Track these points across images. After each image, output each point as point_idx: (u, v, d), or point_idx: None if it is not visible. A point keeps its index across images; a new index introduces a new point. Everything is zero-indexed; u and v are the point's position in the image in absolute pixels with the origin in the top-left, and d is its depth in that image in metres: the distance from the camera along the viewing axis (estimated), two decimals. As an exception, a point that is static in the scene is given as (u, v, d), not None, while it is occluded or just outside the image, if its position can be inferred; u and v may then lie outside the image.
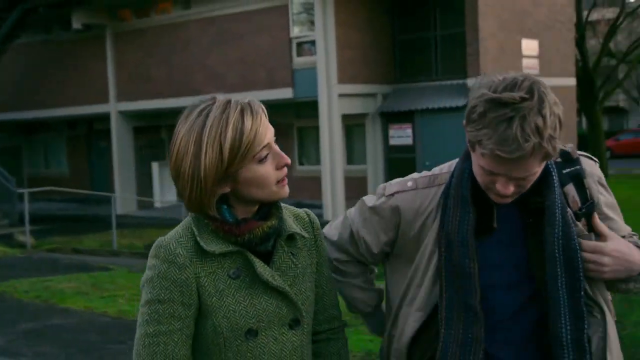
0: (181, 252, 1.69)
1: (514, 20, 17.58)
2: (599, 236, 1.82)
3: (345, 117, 16.92)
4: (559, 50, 19.72)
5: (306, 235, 1.85)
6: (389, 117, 17.59)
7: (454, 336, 1.81)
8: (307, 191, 16.77)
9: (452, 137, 16.36)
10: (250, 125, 1.64)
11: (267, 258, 1.76)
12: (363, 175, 17.75)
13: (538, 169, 1.70)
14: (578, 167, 1.85)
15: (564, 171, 1.85)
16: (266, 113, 1.69)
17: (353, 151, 17.93)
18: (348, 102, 16.83)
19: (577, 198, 1.83)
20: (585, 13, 26.99)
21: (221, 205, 1.72)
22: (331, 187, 16.59)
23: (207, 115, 1.65)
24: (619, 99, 42.82)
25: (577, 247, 1.77)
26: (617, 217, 1.92)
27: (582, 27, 25.53)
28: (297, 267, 1.80)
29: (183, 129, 1.68)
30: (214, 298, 1.70)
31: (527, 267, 1.82)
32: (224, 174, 1.65)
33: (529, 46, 18.24)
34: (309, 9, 16.94)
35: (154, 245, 1.73)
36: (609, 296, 1.88)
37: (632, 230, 1.97)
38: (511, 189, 1.71)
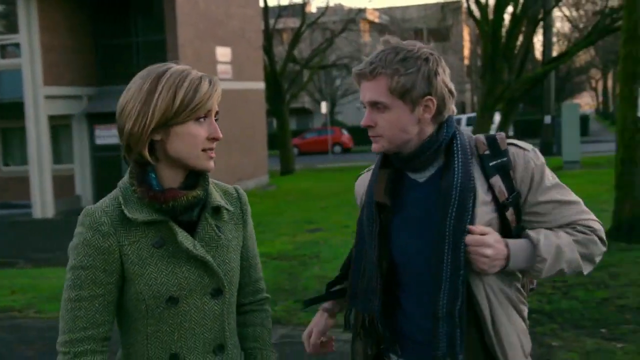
0: (106, 221, 1.79)
1: (208, 29, 19.60)
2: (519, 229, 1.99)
3: (52, 118, 17.65)
4: (249, 57, 22.21)
5: (231, 208, 1.97)
6: (94, 118, 18.67)
7: (360, 285, 2.11)
8: (14, 191, 17.24)
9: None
10: (206, 89, 1.80)
11: (192, 229, 1.86)
12: (70, 174, 18.62)
13: (385, 100, 1.96)
14: (505, 159, 1.98)
15: (491, 163, 1.99)
16: (219, 91, 1.85)
17: (60, 151, 18.66)
18: (54, 103, 17.61)
19: (504, 189, 1.96)
20: (272, 22, 30.02)
21: (149, 172, 1.84)
22: (39, 187, 17.24)
23: (167, 69, 1.82)
24: (305, 101, 47.00)
25: (465, 230, 1.92)
26: (561, 203, 2.01)
27: (269, 36, 28.45)
28: (220, 238, 1.90)
29: (139, 76, 1.83)
30: (137, 266, 1.80)
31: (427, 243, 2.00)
32: (168, 119, 1.78)
33: (223, 53, 20.43)
34: (7, 13, 17.36)
35: (82, 213, 1.84)
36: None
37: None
38: (367, 120, 2.00)
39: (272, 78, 27.54)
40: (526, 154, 1.99)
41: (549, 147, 26.83)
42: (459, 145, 1.99)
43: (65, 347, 1.80)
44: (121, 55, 19.02)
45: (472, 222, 1.93)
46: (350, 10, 39.37)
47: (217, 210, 1.93)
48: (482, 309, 1.97)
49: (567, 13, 36.00)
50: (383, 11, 52.09)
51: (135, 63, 19.03)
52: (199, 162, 1.84)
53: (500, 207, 1.96)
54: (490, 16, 20.08)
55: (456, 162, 1.97)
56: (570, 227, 1.99)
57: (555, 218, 1.99)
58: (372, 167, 2.21)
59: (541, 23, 24.83)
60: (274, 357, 2.13)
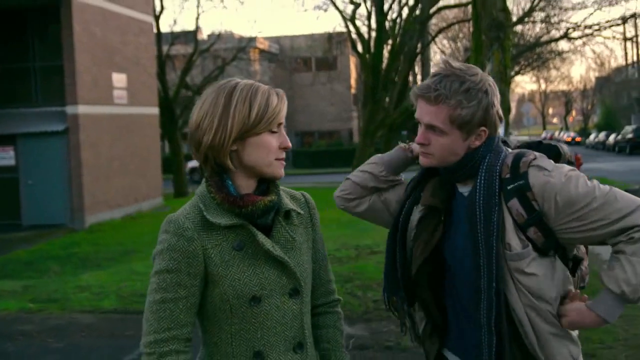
0: (189, 226, 1.90)
1: (105, 56, 20.46)
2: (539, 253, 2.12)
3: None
4: (144, 83, 23.17)
5: (302, 212, 2.09)
6: (-9, 140, 19.23)
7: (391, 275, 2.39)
8: None
9: (53, 158, 18.95)
10: (276, 102, 1.95)
11: (266, 232, 1.98)
12: (-34, 194, 19.06)
13: (443, 127, 2.10)
14: (522, 182, 2.07)
15: (509, 187, 2.09)
16: (286, 103, 1.99)
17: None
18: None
19: (521, 211, 2.07)
20: (165, 48, 30.98)
21: (226, 180, 1.97)
22: None
23: (236, 84, 1.95)
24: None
25: (494, 245, 2.06)
26: (599, 204, 2.03)
27: (162, 62, 29.46)
28: (294, 240, 2.02)
29: (210, 92, 1.96)
30: (220, 268, 1.90)
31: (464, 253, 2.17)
32: (247, 130, 1.92)
33: (119, 79, 21.34)
34: None
35: (165, 221, 1.93)
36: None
37: None
38: (421, 138, 2.15)
39: (165, 103, 28.43)
40: (545, 174, 2.07)
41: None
42: (485, 167, 2.14)
43: (151, 347, 1.89)
44: (19, 80, 19.66)
45: (502, 240, 2.08)
46: (242, 38, 40.92)
47: (288, 215, 2.06)
48: (523, 324, 2.12)
49: (447, 46, 38.84)
50: (273, 40, 53.81)
51: (33, 87, 19.77)
52: (271, 170, 1.99)
53: (520, 228, 2.08)
54: (371, 50, 22.10)
55: (479, 183, 2.12)
56: (628, 234, 1.99)
57: (605, 217, 2.01)
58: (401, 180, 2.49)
59: (419, 56, 27.18)
60: (346, 359, 2.23)
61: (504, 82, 9.70)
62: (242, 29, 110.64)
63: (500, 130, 2.21)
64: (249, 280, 1.92)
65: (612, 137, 52.82)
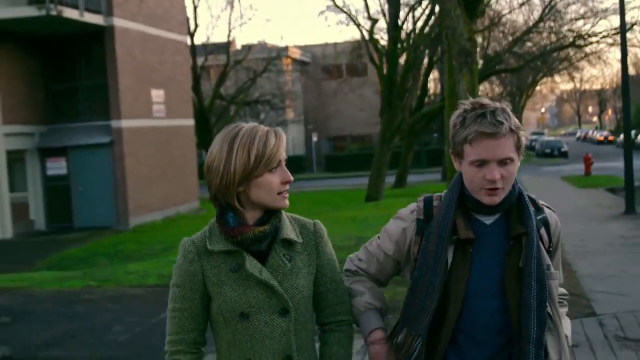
0: (192, 249, 2.28)
1: (144, 74, 23.01)
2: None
3: (9, 153, 20.81)
4: (180, 97, 25.70)
5: (300, 240, 2.32)
6: (46, 152, 21.91)
7: (413, 306, 2.39)
8: (-25, 217, 20.23)
9: (100, 167, 21.55)
10: (273, 143, 2.22)
11: (264, 258, 2.26)
12: (25, 201, 21.74)
13: (513, 155, 2.26)
14: (544, 215, 2.41)
15: (538, 217, 2.38)
16: (284, 139, 2.25)
17: (16, 181, 21.71)
18: (10, 140, 20.77)
19: (546, 239, 2.39)
20: (201, 60, 33.28)
21: (228, 212, 2.27)
22: (0, 212, 20.35)
23: (239, 130, 2.23)
24: None
25: (545, 269, 2.31)
26: (560, 263, 2.51)
27: (197, 75, 31.90)
28: (286, 266, 2.27)
29: (219, 137, 2.25)
30: (216, 286, 2.25)
31: (502, 280, 2.32)
32: (248, 174, 2.20)
33: (157, 95, 23.92)
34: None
35: (181, 243, 2.33)
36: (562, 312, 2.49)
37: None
38: (497, 174, 2.24)
39: (200, 114, 30.86)
40: (555, 215, 2.45)
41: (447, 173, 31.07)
42: (528, 198, 2.38)
43: (167, 346, 2.32)
44: (68, 97, 22.31)
45: (546, 263, 2.34)
46: (273, 47, 43.20)
47: (288, 242, 2.29)
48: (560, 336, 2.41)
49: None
50: (304, 49, 56.07)
51: (81, 104, 22.39)
52: (276, 204, 2.26)
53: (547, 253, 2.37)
54: (385, 62, 24.25)
55: (532, 212, 2.34)
56: (560, 299, 2.50)
57: (560, 274, 2.46)
58: (416, 206, 2.47)
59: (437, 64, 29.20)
60: None
61: (472, 98, 11.82)
62: (275, 39, 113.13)
63: None
64: (239, 298, 2.23)
65: (640, 136, 53.69)
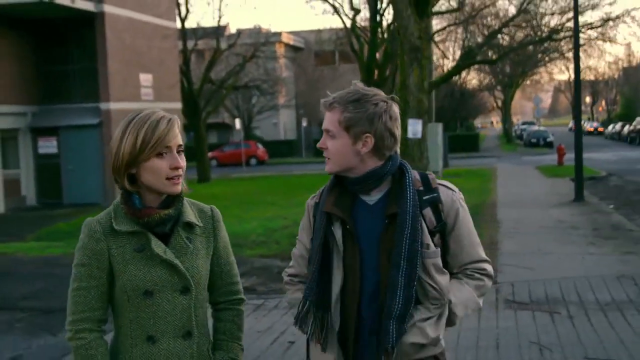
0: (98, 229, 2.35)
1: (133, 59, 24.16)
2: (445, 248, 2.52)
3: (2, 131, 22.03)
4: (168, 81, 26.80)
5: (200, 224, 2.46)
6: (38, 132, 23.20)
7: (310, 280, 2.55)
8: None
9: (89, 146, 22.79)
10: (162, 128, 2.29)
11: (166, 239, 2.38)
12: (17, 177, 23.04)
13: (334, 129, 2.45)
14: (435, 195, 2.49)
15: (424, 197, 2.48)
16: (179, 126, 2.35)
17: (8, 158, 22.94)
18: (3, 119, 22.00)
19: (433, 219, 2.47)
20: (191, 44, 34.01)
21: (133, 194, 2.36)
22: (-8, 188, 21.64)
23: (135, 115, 2.34)
24: (225, 116, 50.86)
25: (419, 248, 2.40)
26: (468, 241, 2.55)
27: (187, 59, 32.77)
28: (188, 247, 2.40)
29: (121, 121, 2.35)
30: (121, 265, 2.34)
31: (378, 256, 2.45)
32: (135, 157, 2.29)
33: (145, 79, 25.10)
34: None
35: (83, 223, 2.38)
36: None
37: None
38: (321, 143, 2.49)
39: (190, 96, 31.57)
40: (452, 194, 2.53)
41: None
42: (411, 179, 2.49)
43: (69, 325, 2.38)
44: (60, 80, 23.53)
45: (421, 241, 2.42)
46: (267, 32, 44.08)
47: (189, 225, 2.42)
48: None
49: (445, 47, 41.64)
50: (297, 34, 57.00)
51: (72, 86, 23.59)
52: (165, 189, 2.34)
53: (430, 233, 2.47)
54: (366, 53, 25.44)
55: (409, 193, 2.45)
56: (471, 271, 2.56)
57: (467, 253, 2.55)
58: (318, 192, 2.64)
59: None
60: (238, 349, 2.59)
61: (422, 91, 13.11)
62: (269, 23, 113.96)
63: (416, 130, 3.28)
64: (144, 276, 2.33)
65: (626, 128, 54.75)
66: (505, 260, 9.91)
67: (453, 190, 2.56)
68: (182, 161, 2.36)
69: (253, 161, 45.50)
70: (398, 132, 2.49)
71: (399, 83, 13.64)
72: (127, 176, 2.36)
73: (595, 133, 70.74)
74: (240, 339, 2.62)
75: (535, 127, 60.16)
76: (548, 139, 51.64)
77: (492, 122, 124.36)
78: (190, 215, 2.45)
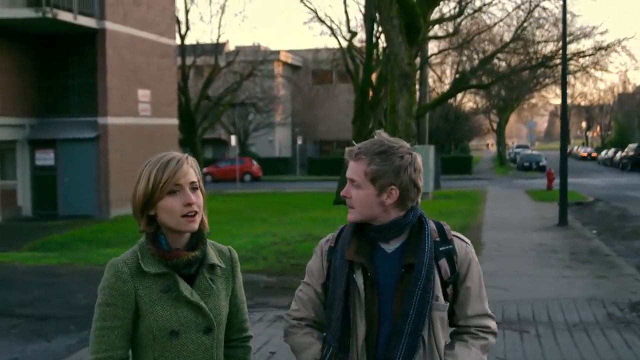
0: (125, 270, 2.38)
1: (132, 75, 24.64)
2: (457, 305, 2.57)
3: (0, 143, 22.46)
4: (166, 98, 27.29)
5: (224, 266, 2.55)
6: (36, 143, 23.65)
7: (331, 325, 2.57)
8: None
9: (86, 160, 23.27)
10: (171, 169, 2.37)
11: (190, 280, 2.45)
12: (14, 188, 23.47)
13: (359, 179, 2.50)
14: (451, 246, 2.55)
15: (440, 249, 2.54)
16: (193, 165, 2.43)
17: (5, 169, 23.34)
18: (2, 131, 22.42)
19: (448, 270, 2.53)
20: (190, 60, 34.64)
21: (159, 235, 2.42)
22: (-11, 198, 22.04)
23: (151, 159, 2.43)
24: (221, 132, 51.19)
25: (429, 300, 2.46)
26: (477, 293, 2.59)
27: (185, 76, 33.41)
28: (212, 289, 2.48)
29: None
30: (148, 305, 2.38)
31: (392, 304, 2.50)
32: (149, 199, 2.38)
33: (144, 94, 25.56)
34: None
35: (108, 263, 2.43)
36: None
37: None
38: (346, 192, 2.54)
39: (187, 112, 32.22)
40: (466, 246, 2.59)
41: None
42: (429, 231, 2.55)
43: None
44: (59, 93, 24.00)
45: (434, 294, 2.48)
46: (265, 51, 44.68)
47: (212, 267, 2.51)
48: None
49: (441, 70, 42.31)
50: (295, 53, 57.60)
51: (71, 100, 24.08)
52: (181, 227, 2.41)
53: (443, 284, 2.53)
54: (361, 74, 25.95)
55: (427, 245, 2.50)
56: (476, 329, 2.60)
57: (473, 306, 2.58)
58: (331, 236, 2.69)
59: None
60: None
61: (410, 116, 13.60)
62: (268, 42, 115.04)
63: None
64: (170, 317, 2.39)
65: (619, 154, 55.43)
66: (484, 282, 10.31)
67: (467, 243, 2.63)
68: (197, 197, 2.41)
69: (247, 177, 45.88)
70: (421, 183, 2.55)
71: (388, 107, 14.12)
72: (146, 218, 2.43)
73: (588, 158, 71.40)
74: None
75: (529, 151, 60.77)
76: (540, 163, 52.22)
77: (487, 145, 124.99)
78: (214, 257, 2.53)
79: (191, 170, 2.41)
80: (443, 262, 2.53)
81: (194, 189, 2.41)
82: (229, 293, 2.58)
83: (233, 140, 40.69)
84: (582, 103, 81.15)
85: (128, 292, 2.38)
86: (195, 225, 2.42)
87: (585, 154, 73.11)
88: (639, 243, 15.35)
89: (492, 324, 2.66)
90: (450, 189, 32.14)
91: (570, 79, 38.50)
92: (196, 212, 2.40)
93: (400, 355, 2.44)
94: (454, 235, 2.60)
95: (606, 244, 14.59)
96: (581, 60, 29.25)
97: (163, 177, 2.36)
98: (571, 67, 29.26)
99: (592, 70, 29.10)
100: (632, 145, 52.00)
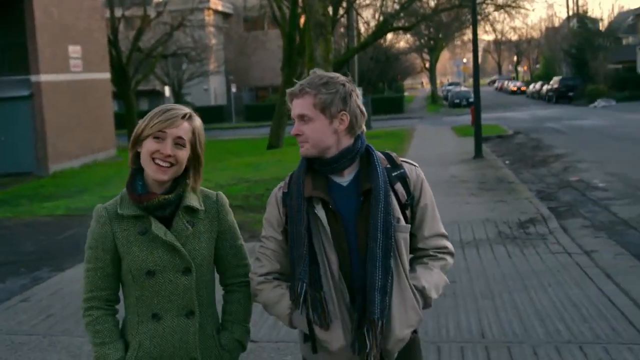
0: (104, 214, 2.55)
1: (61, 32, 24.87)
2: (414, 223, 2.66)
3: None
4: (96, 53, 27.65)
5: (201, 208, 2.60)
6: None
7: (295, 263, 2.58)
8: None
9: (21, 118, 23.62)
10: (164, 116, 2.49)
11: (169, 223, 2.53)
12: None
13: (309, 113, 2.55)
14: (403, 170, 2.64)
15: (393, 174, 2.62)
16: (194, 126, 2.55)
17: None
18: None
19: (404, 193, 2.61)
20: (119, 12, 34.55)
21: (137, 181, 2.54)
22: None
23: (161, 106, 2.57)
24: (155, 83, 51.24)
25: (392, 221, 2.52)
26: (431, 212, 2.70)
27: (115, 29, 33.43)
28: (188, 230, 2.55)
29: None
30: (125, 247, 2.52)
31: (357, 233, 2.55)
32: (139, 135, 2.51)
33: (74, 50, 25.85)
34: None
35: (94, 209, 2.60)
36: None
37: None
38: (296, 130, 2.59)
39: (119, 65, 32.43)
40: (416, 169, 2.70)
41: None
42: (378, 157, 2.63)
43: (82, 303, 2.61)
44: (-10, 54, 24.17)
45: (394, 216, 2.55)
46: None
47: (191, 209, 2.57)
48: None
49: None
50: (226, 0, 57.35)
51: (2, 59, 24.24)
52: (150, 172, 2.51)
53: (402, 207, 2.61)
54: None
55: (379, 169, 2.57)
56: (434, 251, 2.71)
57: (429, 226, 2.69)
58: (283, 183, 2.71)
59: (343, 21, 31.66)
60: (243, 331, 2.75)
61: (327, 63, 14.58)
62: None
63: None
64: (146, 257, 2.52)
65: (545, 87, 57.27)
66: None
67: (415, 166, 2.72)
68: (177, 152, 2.50)
69: (184, 127, 46.00)
70: (364, 109, 2.65)
71: (307, 55, 15.05)
72: (134, 154, 2.58)
73: (518, 92, 73.36)
74: (246, 321, 2.79)
75: (459, 88, 62.26)
76: (470, 99, 53.60)
77: (422, 83, 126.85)
78: (193, 200, 2.60)
79: (185, 127, 2.53)
80: (398, 187, 2.62)
81: (178, 144, 2.51)
82: (214, 235, 2.66)
83: (167, 91, 40.93)
84: (513, 38, 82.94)
85: (106, 234, 2.55)
86: (164, 177, 2.51)
87: (515, 88, 75.04)
88: (545, 170, 16.61)
89: (449, 244, 2.78)
90: (381, 129, 33.21)
91: (497, 15, 39.84)
92: (171, 165, 2.51)
93: (379, 279, 2.51)
94: (402, 161, 2.71)
95: (515, 173, 15.84)
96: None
97: (154, 120, 2.49)
98: (489, 9, 30.53)
99: (509, 8, 30.25)
100: (557, 78, 53.79)
